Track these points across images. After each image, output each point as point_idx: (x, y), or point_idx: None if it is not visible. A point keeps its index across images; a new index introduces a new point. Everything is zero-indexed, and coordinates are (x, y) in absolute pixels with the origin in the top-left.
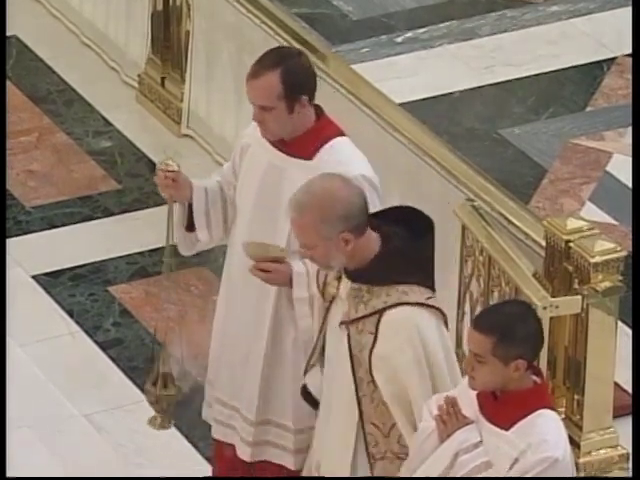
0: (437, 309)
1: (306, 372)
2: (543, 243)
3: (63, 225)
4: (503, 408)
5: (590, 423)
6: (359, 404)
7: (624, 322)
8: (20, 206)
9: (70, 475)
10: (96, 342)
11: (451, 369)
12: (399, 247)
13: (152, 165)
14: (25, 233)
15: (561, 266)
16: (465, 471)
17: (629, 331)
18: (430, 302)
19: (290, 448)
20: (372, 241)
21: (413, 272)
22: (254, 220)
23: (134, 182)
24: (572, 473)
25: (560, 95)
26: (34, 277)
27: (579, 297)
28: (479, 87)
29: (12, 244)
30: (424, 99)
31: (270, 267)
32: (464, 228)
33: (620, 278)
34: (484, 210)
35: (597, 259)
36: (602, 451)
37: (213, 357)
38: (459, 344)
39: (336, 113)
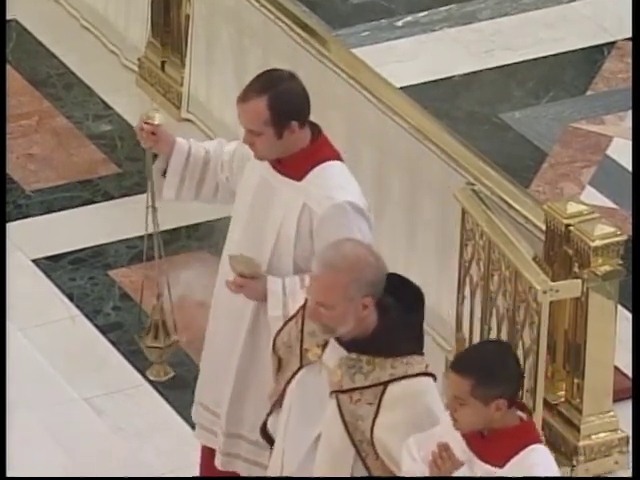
0: (433, 376)
1: (268, 413)
2: (543, 227)
3: (63, 209)
4: (493, 446)
5: (590, 407)
6: (364, 462)
7: (624, 306)
8: (20, 190)
9: (70, 457)
10: (96, 326)
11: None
12: (398, 319)
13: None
14: (25, 217)
15: (561, 250)
16: None
17: (629, 315)
18: (429, 370)
19: (264, 464)
20: (373, 311)
21: (412, 342)
22: (246, 232)
23: (134, 166)
24: None
25: (560, 79)
26: (34, 261)
27: (579, 281)
28: (479, 71)
29: (12, 228)
30: (424, 83)
31: (242, 283)
32: (464, 212)
33: (620, 262)
34: (484, 194)
35: (597, 243)
36: (602, 434)
37: (202, 363)
38: (459, 328)
39: (336, 97)
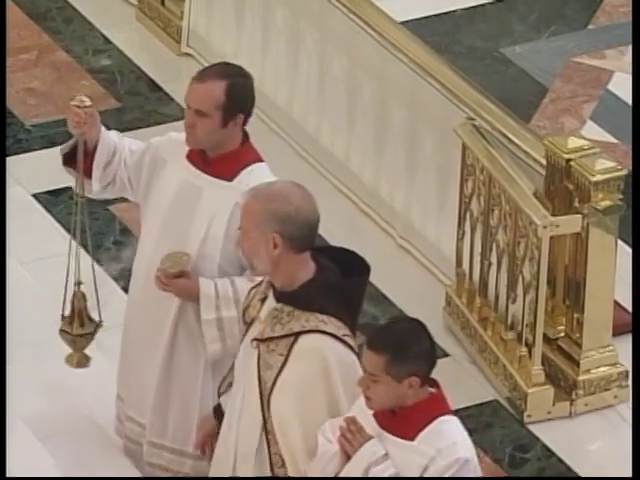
0: (350, 347)
1: (220, 393)
2: (544, 162)
3: (63, 143)
4: (404, 421)
5: (589, 341)
6: (265, 424)
7: (624, 241)
8: (20, 124)
9: (73, 396)
10: (96, 260)
11: (350, 404)
12: (331, 279)
13: (152, 83)
14: (25, 151)
15: (561, 185)
16: None
17: (629, 250)
18: (346, 338)
19: (188, 473)
20: (307, 266)
21: (338, 307)
22: (162, 236)
23: (134, 100)
24: (478, 472)
25: (562, 13)
26: (34, 196)
27: (579, 216)
28: (481, 5)
29: (12, 162)
30: (426, 17)
31: (170, 283)
32: (464, 147)
33: (620, 197)
34: (485, 129)
35: (598, 178)
36: (601, 369)
37: (122, 373)
38: (459, 263)
39: (336, 32)
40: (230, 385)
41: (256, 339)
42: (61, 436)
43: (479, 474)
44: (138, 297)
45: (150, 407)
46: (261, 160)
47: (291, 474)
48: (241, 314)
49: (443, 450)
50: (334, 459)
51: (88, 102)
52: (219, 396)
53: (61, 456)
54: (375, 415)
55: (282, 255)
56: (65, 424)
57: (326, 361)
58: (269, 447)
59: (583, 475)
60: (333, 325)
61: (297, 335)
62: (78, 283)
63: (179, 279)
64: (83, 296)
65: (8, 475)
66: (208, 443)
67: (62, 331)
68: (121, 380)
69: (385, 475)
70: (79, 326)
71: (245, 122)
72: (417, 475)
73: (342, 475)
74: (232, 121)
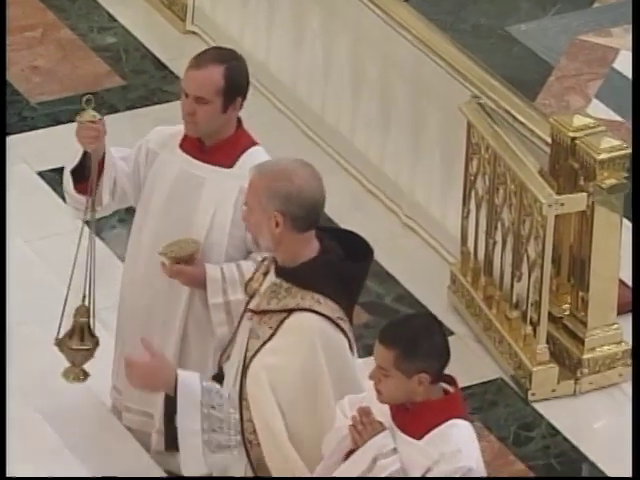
0: (342, 331)
1: (220, 366)
2: (549, 140)
3: (69, 121)
4: (415, 418)
5: (594, 319)
6: (241, 390)
7: (629, 219)
8: (25, 102)
9: None
10: (102, 239)
11: (338, 390)
12: (333, 261)
13: (157, 61)
14: (31, 129)
15: (567, 163)
16: (386, 473)
17: None
18: (339, 322)
19: None
20: (311, 246)
21: (336, 289)
22: (162, 227)
23: (139, 79)
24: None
25: None
26: (39, 173)
27: (584, 194)
28: None
29: (17, 140)
30: None
31: (178, 270)
32: (470, 125)
33: (626, 175)
34: (490, 107)
35: (603, 156)
36: (606, 347)
37: (120, 365)
38: (464, 241)
39: (341, 10)
40: (229, 357)
41: (251, 310)
42: (69, 416)
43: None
44: (137, 295)
45: (162, 397)
46: (256, 143)
47: (261, 440)
48: (244, 287)
49: (447, 455)
50: (347, 439)
51: (98, 115)
52: (219, 369)
53: (70, 437)
54: (390, 407)
55: (284, 233)
56: (69, 405)
57: (313, 341)
58: (242, 412)
59: (586, 453)
60: (328, 307)
61: (290, 312)
62: (83, 297)
63: (187, 266)
64: (87, 311)
65: (8, 475)
66: None
67: (60, 343)
68: (119, 372)
69: (390, 470)
70: (78, 341)
71: (241, 106)
72: (420, 474)
73: (349, 463)
74: (232, 105)
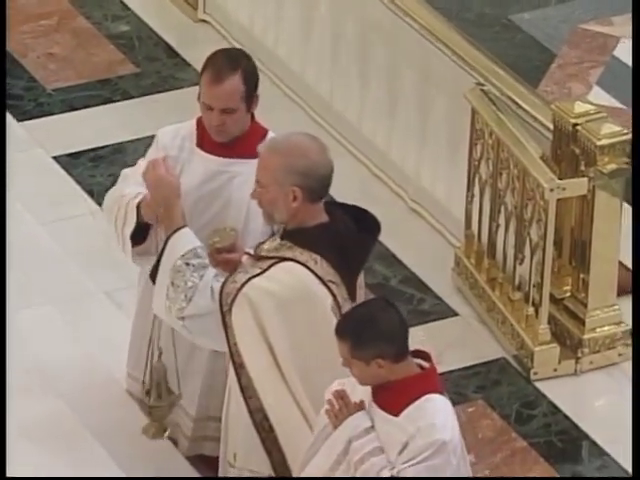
0: (333, 295)
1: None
2: (551, 126)
3: (83, 107)
4: (392, 395)
5: (595, 301)
6: (226, 329)
7: (629, 203)
8: (41, 88)
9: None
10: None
11: (311, 343)
12: (339, 229)
13: (169, 49)
14: (46, 115)
15: (568, 149)
16: (359, 456)
17: None
18: (329, 284)
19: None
20: (320, 215)
21: (338, 258)
22: (196, 227)
23: (152, 66)
24: (462, 454)
25: None
26: (55, 158)
27: (585, 179)
28: None
29: (34, 125)
30: None
31: (221, 258)
32: (474, 112)
33: (626, 160)
34: (494, 94)
35: (604, 142)
36: (606, 328)
37: (138, 354)
38: (468, 225)
39: (348, 1)
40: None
41: (247, 253)
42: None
43: (460, 454)
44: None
45: (199, 388)
46: (268, 131)
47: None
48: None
49: (422, 429)
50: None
51: (230, 238)
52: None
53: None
54: (372, 387)
55: (300, 206)
56: (85, 383)
57: (294, 290)
58: (228, 338)
59: (586, 430)
60: (322, 268)
61: (282, 259)
62: (159, 354)
63: (229, 254)
64: (163, 367)
65: (8, 475)
66: None
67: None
68: (137, 362)
69: (366, 449)
70: (157, 397)
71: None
72: (397, 450)
73: (325, 447)
74: (253, 103)
